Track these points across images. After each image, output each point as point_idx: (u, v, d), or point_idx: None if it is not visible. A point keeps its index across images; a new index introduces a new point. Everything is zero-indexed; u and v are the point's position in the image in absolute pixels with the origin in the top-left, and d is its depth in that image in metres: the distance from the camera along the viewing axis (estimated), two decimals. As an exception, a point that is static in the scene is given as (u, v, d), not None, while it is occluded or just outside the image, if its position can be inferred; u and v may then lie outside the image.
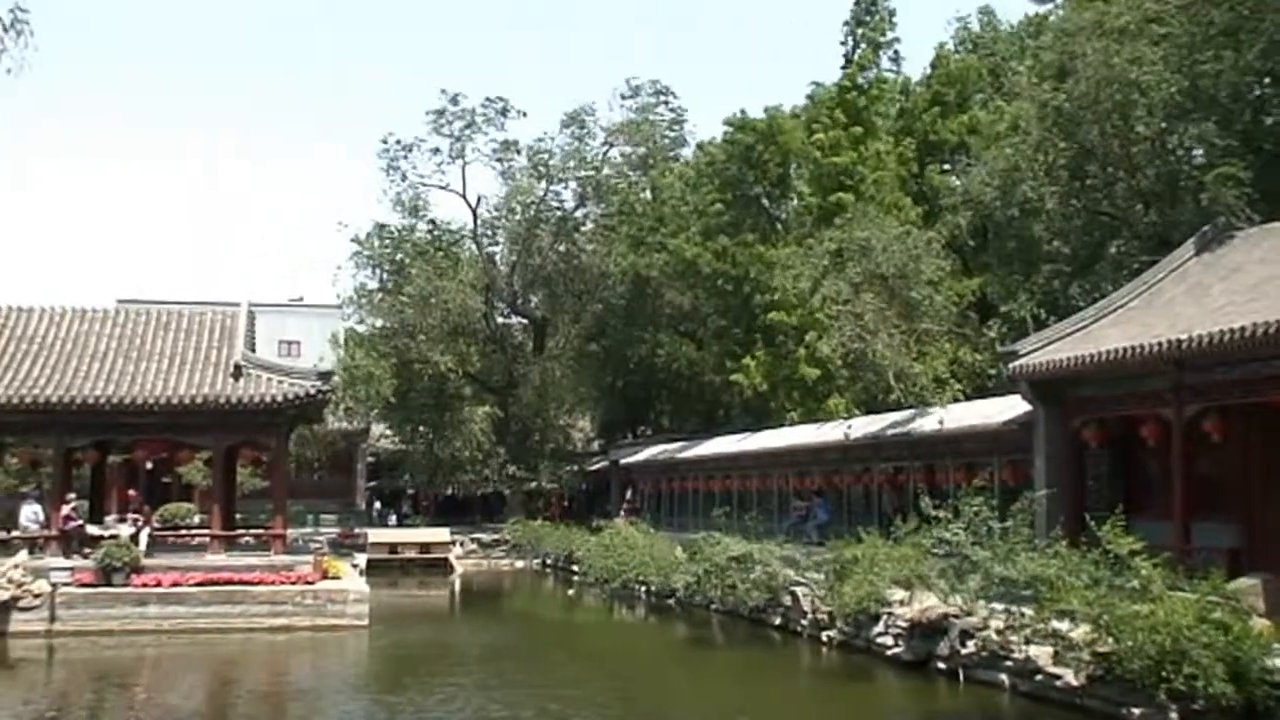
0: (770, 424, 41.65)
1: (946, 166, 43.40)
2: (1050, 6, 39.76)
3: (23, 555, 27.34)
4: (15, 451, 35.33)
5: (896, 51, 44.86)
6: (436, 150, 55.62)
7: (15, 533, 29.48)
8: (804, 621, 25.36)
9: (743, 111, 47.35)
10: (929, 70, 44.96)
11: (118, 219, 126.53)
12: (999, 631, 18.56)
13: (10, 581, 25.94)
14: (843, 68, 43.51)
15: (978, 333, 36.45)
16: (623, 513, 48.89)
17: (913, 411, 31.73)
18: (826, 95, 44.87)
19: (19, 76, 7.15)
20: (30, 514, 29.56)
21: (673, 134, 56.40)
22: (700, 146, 54.31)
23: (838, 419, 35.88)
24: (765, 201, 48.08)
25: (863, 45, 43.14)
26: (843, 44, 43.64)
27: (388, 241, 56.03)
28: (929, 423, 29.95)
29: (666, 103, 56.05)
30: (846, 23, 43.42)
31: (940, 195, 40.46)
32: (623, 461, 53.28)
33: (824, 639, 24.13)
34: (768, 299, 41.73)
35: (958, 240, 37.84)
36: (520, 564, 49.06)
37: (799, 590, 25.89)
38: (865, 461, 33.63)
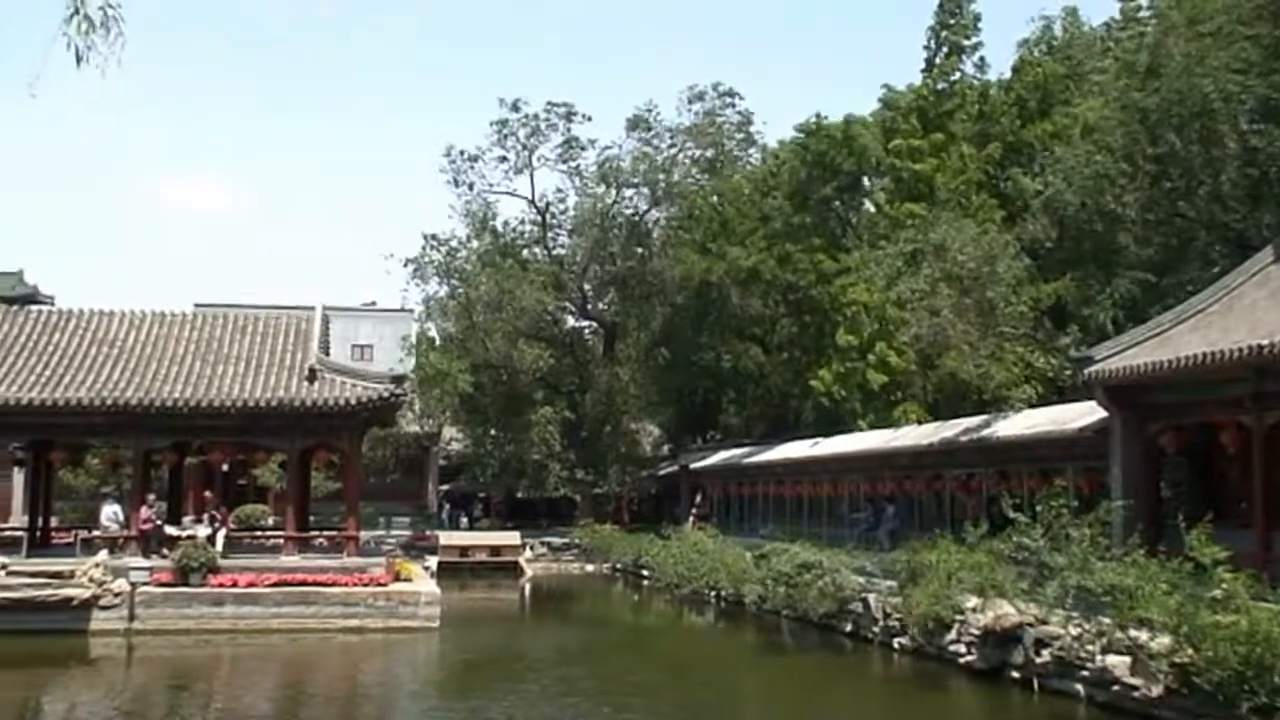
0: (840, 429, 41.38)
1: (1026, 171, 42.83)
2: (1136, 4, 39.13)
3: (103, 554, 27.79)
4: (96, 452, 35.94)
5: (982, 58, 44.19)
6: (503, 159, 56.02)
7: (96, 532, 30.04)
8: (875, 628, 25.15)
9: (818, 116, 47.11)
10: (1011, 74, 44.34)
11: (195, 224, 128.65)
12: (1075, 640, 18.25)
13: (91, 580, 26.39)
14: (923, 72, 43.13)
15: (1052, 338, 35.98)
16: (692, 518, 48.79)
17: (986, 417, 31.38)
18: (905, 100, 44.47)
19: (108, 76, 7.19)
20: (110, 514, 30.09)
21: (740, 136, 56.20)
22: (769, 152, 54.13)
23: (908, 424, 35.57)
24: (837, 206, 47.72)
25: (945, 49, 42.66)
26: (925, 48, 43.21)
27: (454, 250, 56.47)
28: (1003, 428, 29.58)
29: (733, 105, 55.94)
30: (930, 27, 42.97)
31: (1020, 200, 39.96)
32: (692, 466, 53.19)
33: (895, 646, 23.91)
34: (836, 305, 41.37)
35: (1035, 245, 37.37)
36: (590, 568, 49.14)
37: (870, 597, 25.68)
38: (937, 467, 33.29)
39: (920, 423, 35.17)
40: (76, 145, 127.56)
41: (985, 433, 30.18)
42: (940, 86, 42.47)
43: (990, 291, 32.19)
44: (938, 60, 42.84)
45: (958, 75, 42.99)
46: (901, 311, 34.09)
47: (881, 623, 24.88)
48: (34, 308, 37.55)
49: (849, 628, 26.43)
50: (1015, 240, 34.92)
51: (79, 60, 7.16)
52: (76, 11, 7.18)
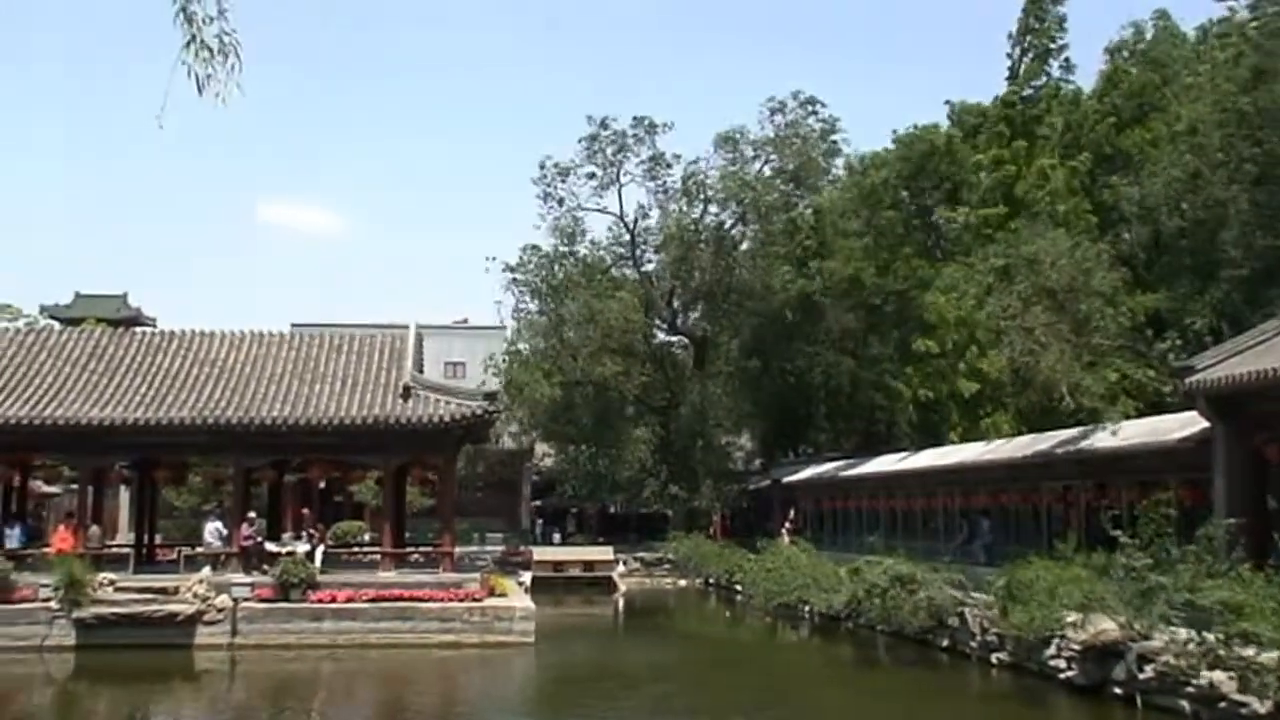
0: (933, 442, 40.94)
1: (1118, 180, 42.08)
2: (1234, 6, 38.36)
3: (206, 571, 28.34)
4: (198, 471, 36.68)
5: (1067, 59, 43.50)
6: (592, 175, 56.26)
7: (199, 549, 30.67)
8: (972, 643, 24.83)
9: (915, 126, 46.76)
10: (1102, 82, 43.61)
11: (292, 246, 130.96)
12: (1179, 656, 17.86)
13: (196, 596, 26.93)
14: (1008, 79, 42.61)
15: (1149, 348, 35.29)
16: (785, 532, 48.52)
17: (1083, 429, 30.86)
18: (990, 109, 43.99)
19: (227, 103, 7.29)
20: (213, 530, 30.69)
21: (825, 145, 55.73)
22: (859, 162, 53.80)
23: (1002, 437, 35.09)
24: (932, 217, 47.26)
25: (1030, 55, 42.07)
26: (1009, 55, 42.71)
27: (543, 266, 56.88)
28: (1101, 440, 29.06)
29: (815, 113, 55.46)
30: (1012, 34, 42.42)
31: (1114, 209, 39.28)
32: (784, 480, 52.91)
33: (993, 661, 23.61)
34: (922, 317, 40.96)
35: (1130, 254, 36.69)
36: (683, 583, 49.08)
37: (967, 611, 25.37)
38: (1033, 480, 32.78)
39: (1013, 435, 34.64)
40: (176, 170, 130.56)
41: (1083, 445, 29.66)
42: (1026, 92, 41.88)
43: (1084, 305, 31.63)
44: (1022, 66, 42.22)
45: (1043, 80, 42.35)
46: (988, 322, 33.57)
47: (979, 638, 24.56)
48: (138, 329, 38.55)
49: (945, 643, 26.13)
50: (1110, 250, 34.31)
51: (200, 89, 7.25)
52: (194, 39, 7.27)
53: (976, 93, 49.26)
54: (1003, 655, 23.33)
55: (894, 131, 47.11)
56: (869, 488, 44.18)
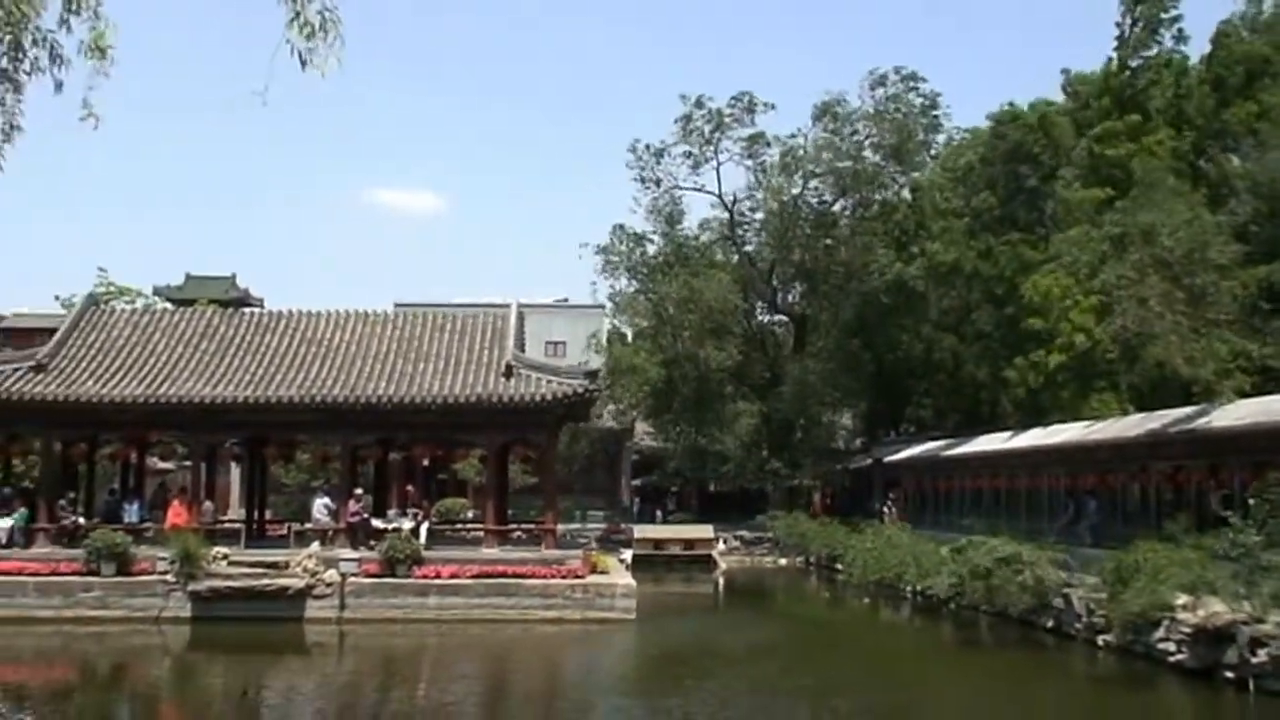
0: (1038, 421, 40.29)
1: (1228, 153, 40.82)
2: None
3: (315, 546, 28.95)
4: (306, 448, 37.41)
5: (1180, 30, 42.05)
6: (688, 154, 56.09)
7: (308, 525, 31.32)
8: (1078, 625, 24.49)
9: (1010, 104, 45.91)
10: (1209, 50, 42.23)
11: (396, 226, 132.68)
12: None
13: (305, 571, 27.51)
14: (1115, 49, 41.50)
15: (1265, 323, 34.30)
16: (886, 511, 48.19)
17: (1196, 408, 30.14)
18: (1095, 81, 42.90)
19: (329, 79, 7.43)
20: (321, 507, 31.33)
21: (925, 120, 54.99)
22: (958, 138, 53.04)
23: (1109, 416, 34.41)
24: (1034, 198, 46.29)
25: (1140, 24, 40.84)
26: (1118, 24, 41.51)
27: (637, 246, 56.96)
28: (1215, 418, 28.36)
29: (916, 88, 54.72)
30: (1122, 1, 41.16)
31: (1222, 183, 38.15)
32: (886, 459, 52.51)
33: (1099, 643, 23.27)
34: (1026, 297, 40.13)
35: (1245, 228, 35.66)
36: (783, 561, 48.98)
37: (1072, 593, 25.02)
38: (1142, 460, 32.13)
39: (1122, 415, 33.97)
40: (282, 153, 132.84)
41: (1195, 424, 28.99)
42: (1135, 63, 40.73)
43: (1200, 278, 30.81)
44: (1130, 37, 41.01)
45: (1154, 50, 41.10)
46: (1090, 291, 32.81)
47: (1085, 619, 24.22)
48: (247, 310, 39.36)
49: (1050, 624, 25.82)
50: (1226, 221, 33.36)
51: (303, 64, 7.40)
52: (297, 16, 7.41)
53: (1082, 64, 48.12)
54: (1109, 638, 22.98)
55: (1008, 104, 46.13)
56: (972, 467, 43.66)
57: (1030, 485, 38.54)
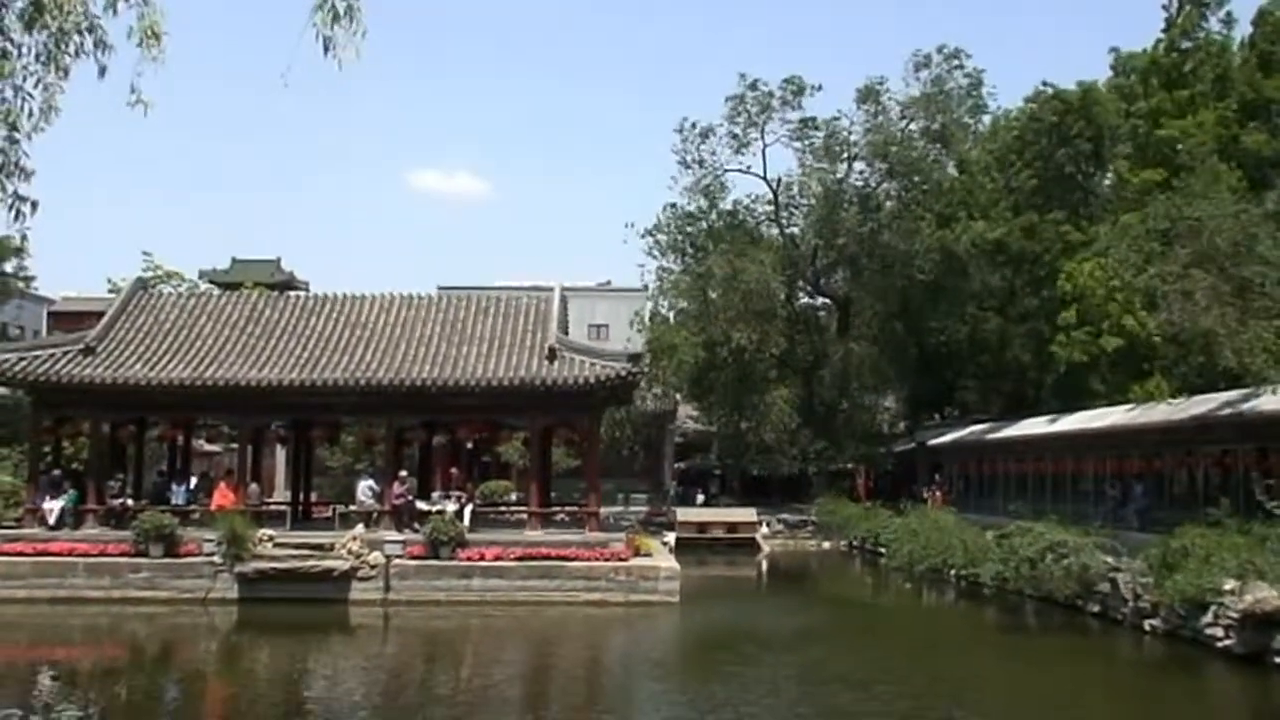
0: (1083, 405, 39.94)
1: (1268, 130, 40.06)
2: None
3: (360, 528, 29.11)
4: (351, 430, 37.62)
5: (1229, 13, 41.49)
6: (735, 135, 55.85)
7: (352, 507, 31.50)
8: (1124, 610, 24.27)
9: (1047, 84, 45.44)
10: (1253, 26, 41.56)
11: (438, 210, 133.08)
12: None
13: (350, 553, 27.67)
14: (1164, 30, 40.99)
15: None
16: (930, 495, 47.97)
17: (1244, 391, 29.77)
18: (1142, 62, 42.38)
19: (349, 68, 7.43)
20: (365, 489, 31.47)
21: (970, 100, 54.51)
22: (1002, 119, 52.54)
23: (1156, 400, 34.04)
24: (1078, 178, 45.79)
25: (1188, 4, 40.28)
26: (1165, 7, 41.00)
27: (685, 227, 56.87)
28: (1265, 402, 27.99)
29: (960, 67, 54.27)
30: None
31: (1265, 163, 37.51)
32: (929, 443, 52.30)
33: (1146, 628, 23.07)
34: (1070, 280, 39.68)
35: None
36: (826, 545, 48.84)
37: (1119, 577, 24.79)
38: (1189, 444, 31.81)
39: (1170, 398, 33.58)
40: (326, 138, 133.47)
41: (1244, 407, 28.65)
42: (1183, 45, 40.17)
43: (1247, 269, 30.35)
44: (1178, 18, 40.45)
45: (1201, 33, 40.52)
46: (1148, 284, 32.40)
47: (1131, 604, 24.00)
48: (292, 293, 39.57)
49: (1096, 609, 25.61)
50: (1274, 207, 32.81)
51: (326, 49, 7.41)
52: (324, 2, 7.42)
53: (1129, 44, 47.59)
54: (1156, 622, 22.79)
55: (1045, 85, 45.65)
56: (1016, 451, 43.41)
57: (1076, 469, 38.29)
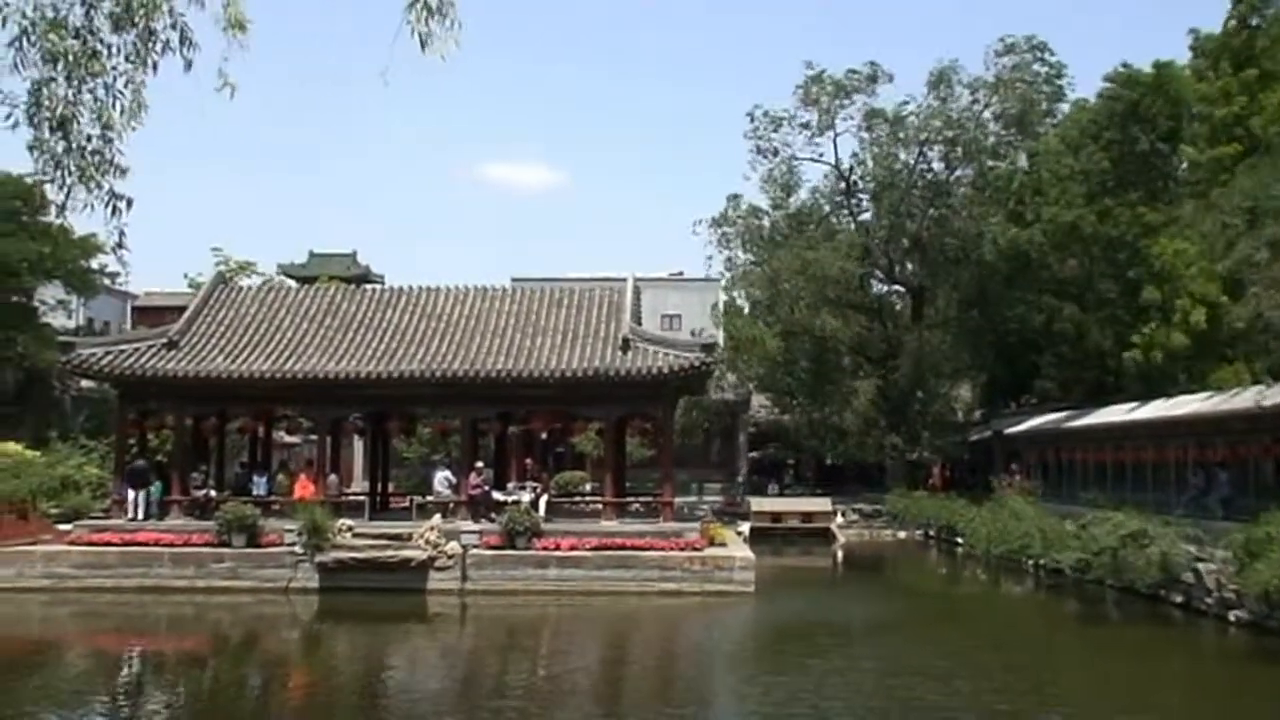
0: (1165, 392, 39.26)
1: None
2: None
3: (437, 519, 29.35)
4: (427, 422, 37.96)
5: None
6: (806, 125, 55.62)
7: (429, 497, 31.81)
8: (1208, 600, 23.90)
9: (1125, 65, 44.65)
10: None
11: (512, 202, 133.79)
12: None
13: (428, 543, 27.94)
14: (1233, 5, 40.10)
15: None
16: (1008, 483, 47.44)
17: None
18: (1215, 41, 41.48)
19: (446, 63, 7.51)
20: (442, 479, 31.75)
21: (1049, 90, 53.86)
22: (1078, 105, 51.75)
23: (1240, 387, 33.39)
24: (1154, 160, 44.95)
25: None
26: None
27: (752, 219, 56.73)
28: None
29: (1042, 58, 53.67)
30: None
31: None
32: (1006, 431, 51.70)
33: (1230, 619, 22.69)
34: (1149, 264, 38.94)
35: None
36: (902, 534, 48.51)
37: (1202, 567, 24.40)
38: (1274, 431, 31.18)
39: (1254, 384, 32.93)
40: (400, 131, 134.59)
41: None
42: (1254, 21, 39.24)
43: None
44: None
45: (1270, 9, 39.54)
46: (1216, 268, 31.72)
47: (1215, 594, 23.63)
48: (368, 286, 40.00)
49: (1179, 599, 25.23)
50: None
51: (423, 46, 7.48)
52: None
53: (1201, 21, 46.45)
54: (1241, 613, 22.41)
55: (1124, 65, 44.83)
56: (1096, 439, 42.78)
57: (1156, 458, 37.63)
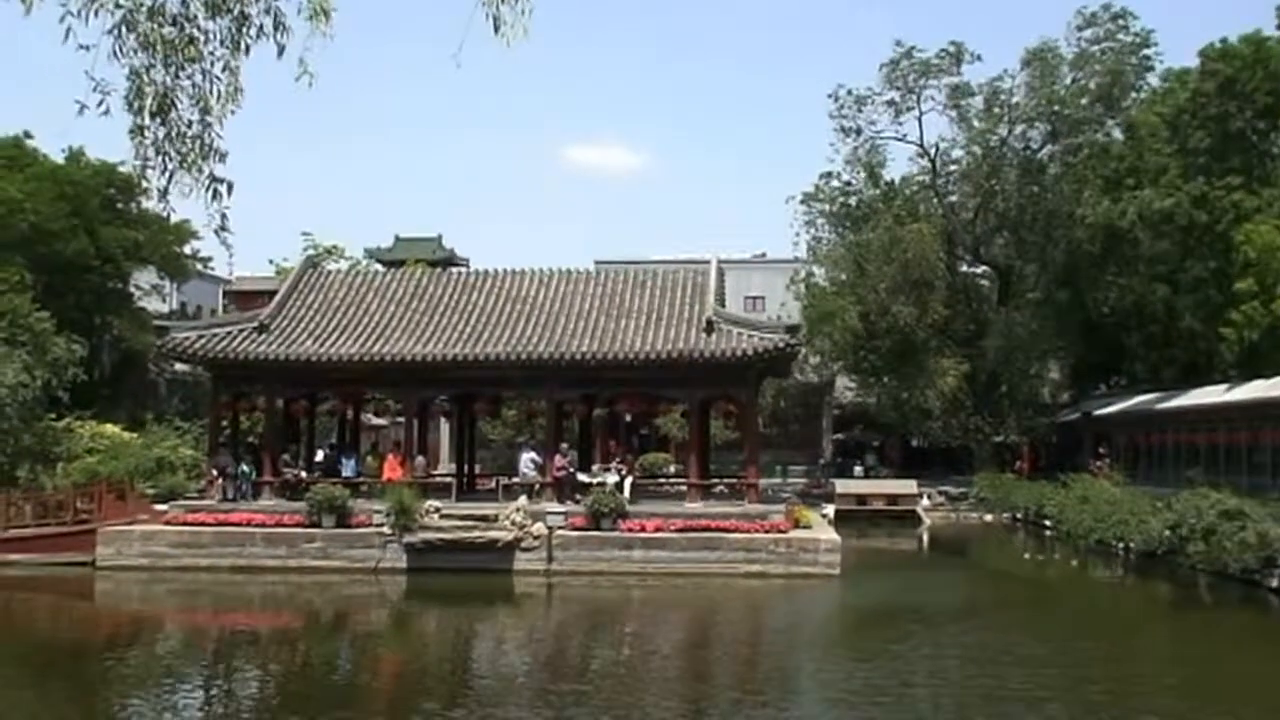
0: (1258, 374, 38.38)
1: None
2: None
3: (523, 500, 29.56)
4: (512, 404, 38.22)
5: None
6: (891, 103, 55.09)
7: (515, 479, 32.04)
8: (1308, 585, 23.39)
9: (1222, 40, 43.57)
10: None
11: (596, 185, 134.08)
12: None
13: (514, 524, 28.14)
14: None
15: None
16: (1100, 467, 46.68)
17: None
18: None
19: (502, 45, 7.48)
20: (528, 461, 31.97)
21: (1136, 60, 52.74)
22: (1172, 75, 50.62)
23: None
24: (1253, 138, 43.80)
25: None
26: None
27: (840, 197, 56.33)
28: None
29: (1126, 27, 52.58)
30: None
31: None
32: (1095, 413, 50.91)
33: (1332, 606, 22.19)
34: (1244, 248, 38.01)
35: None
36: (989, 518, 47.90)
37: (1300, 551, 23.88)
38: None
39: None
40: (484, 115, 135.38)
41: None
42: None
43: None
44: None
45: None
46: None
47: (1315, 580, 23.11)
48: (453, 270, 40.32)
49: (1275, 583, 24.68)
50: None
51: (496, 29, 7.48)
52: None
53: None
54: (1342, 600, 21.89)
55: (1220, 40, 43.75)
56: (1188, 421, 42.01)
57: (1251, 440, 36.86)
